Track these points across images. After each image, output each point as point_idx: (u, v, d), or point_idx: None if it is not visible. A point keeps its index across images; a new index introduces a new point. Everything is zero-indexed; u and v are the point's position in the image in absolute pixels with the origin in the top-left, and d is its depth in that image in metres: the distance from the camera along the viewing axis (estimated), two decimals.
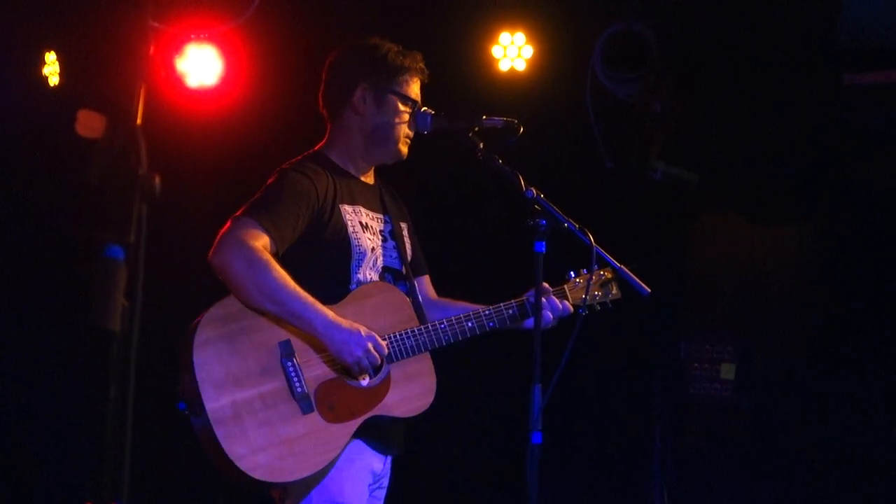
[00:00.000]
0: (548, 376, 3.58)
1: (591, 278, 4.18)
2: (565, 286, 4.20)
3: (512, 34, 6.90)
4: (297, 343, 3.76)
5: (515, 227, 3.81)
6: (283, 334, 3.75)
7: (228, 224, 3.75)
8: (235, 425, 3.60)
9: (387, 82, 4.05)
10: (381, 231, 4.08)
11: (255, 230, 3.70)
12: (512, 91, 6.85)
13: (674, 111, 6.64)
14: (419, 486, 6.93)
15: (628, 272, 3.88)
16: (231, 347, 3.68)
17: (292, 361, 3.72)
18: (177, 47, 6.43)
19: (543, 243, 3.67)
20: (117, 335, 2.42)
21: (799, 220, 6.76)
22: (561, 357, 3.61)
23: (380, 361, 3.81)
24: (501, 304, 4.10)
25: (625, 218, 6.74)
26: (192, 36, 6.33)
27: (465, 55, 6.93)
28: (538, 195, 3.74)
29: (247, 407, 3.64)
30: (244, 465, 3.58)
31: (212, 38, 6.52)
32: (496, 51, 6.92)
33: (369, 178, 4.16)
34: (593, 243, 3.72)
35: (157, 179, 2.45)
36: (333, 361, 3.79)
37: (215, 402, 3.60)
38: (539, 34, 6.89)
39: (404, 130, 4.07)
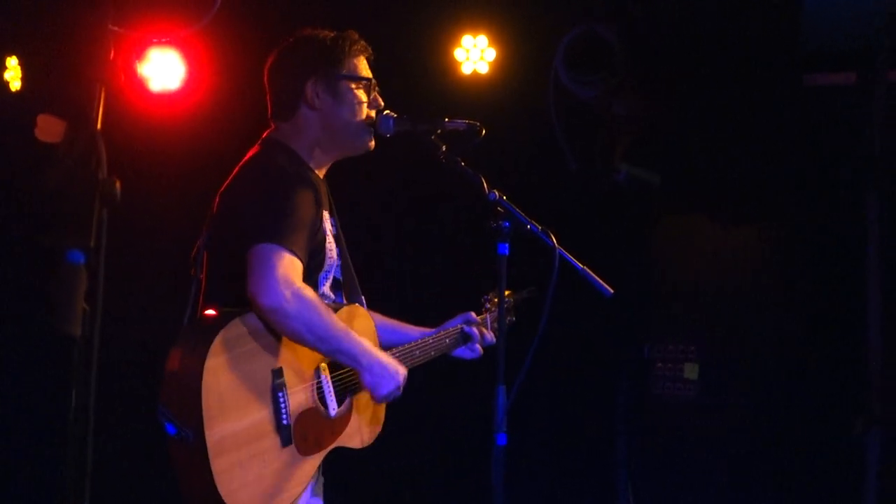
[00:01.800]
0: (512, 377, 3.59)
1: (511, 304, 4.55)
2: (488, 316, 4.45)
3: (474, 37, 6.92)
4: (288, 372, 3.63)
5: (478, 230, 3.82)
6: (277, 361, 3.62)
7: (260, 254, 3.54)
8: (229, 458, 3.42)
9: (335, 69, 3.94)
10: (335, 236, 3.98)
11: (293, 259, 3.56)
12: (475, 94, 6.87)
13: (637, 113, 6.67)
14: (383, 489, 6.94)
15: (591, 273, 3.89)
16: (235, 375, 3.48)
17: (283, 392, 3.59)
18: (139, 52, 6.42)
19: (507, 245, 3.68)
20: (78, 340, 2.41)
21: (761, 221, 6.80)
22: (524, 358, 3.63)
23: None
24: (443, 334, 4.28)
25: (588, 219, 6.77)
26: (154, 40, 6.31)
27: (427, 58, 6.94)
28: (501, 197, 3.73)
29: (239, 439, 3.46)
30: (231, 502, 3.41)
31: (174, 42, 6.51)
32: (459, 53, 6.94)
33: (322, 174, 4.03)
34: (556, 245, 3.72)
35: (118, 184, 2.44)
36: (313, 389, 3.73)
37: (217, 434, 3.39)
38: (501, 37, 6.91)
39: (366, 112, 3.96)
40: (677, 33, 6.48)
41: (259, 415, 3.54)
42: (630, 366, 6.99)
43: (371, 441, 3.96)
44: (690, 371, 6.76)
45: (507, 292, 4.23)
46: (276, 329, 3.58)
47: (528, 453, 6.76)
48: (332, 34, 4.02)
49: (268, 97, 4.05)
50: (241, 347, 3.53)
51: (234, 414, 3.46)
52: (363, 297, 4.14)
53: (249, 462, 3.48)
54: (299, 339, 3.61)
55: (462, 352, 4.35)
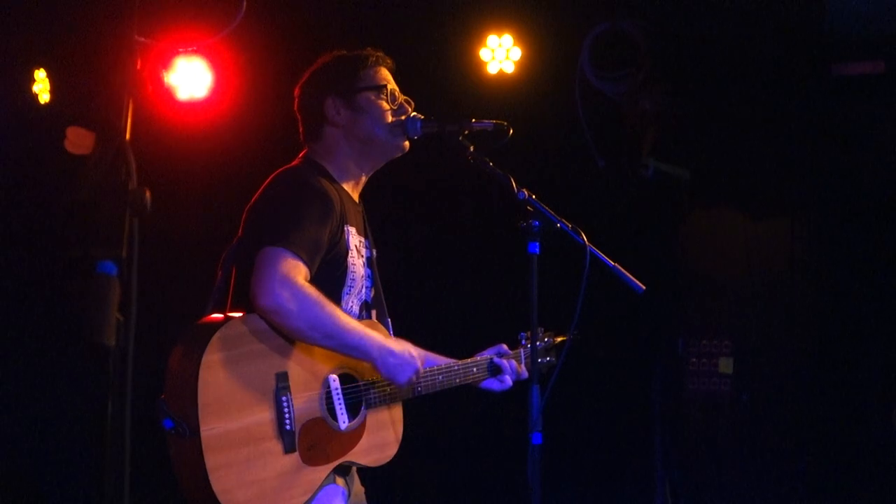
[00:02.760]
0: (545, 377, 3.59)
1: (549, 346, 4.47)
2: (521, 351, 4.37)
3: (499, 36, 6.91)
4: (294, 376, 3.65)
5: (508, 229, 3.82)
6: (282, 364, 3.64)
7: (264, 257, 3.59)
8: (224, 457, 3.46)
9: (351, 83, 3.98)
10: (364, 256, 4.00)
11: (296, 262, 3.59)
12: (501, 93, 6.86)
13: (663, 108, 6.65)
14: (419, 489, 6.94)
15: (622, 270, 3.87)
16: (234, 373, 3.52)
17: (287, 396, 3.61)
18: (165, 61, 6.44)
19: (537, 244, 3.68)
20: (112, 350, 2.42)
21: (791, 213, 6.77)
22: (558, 358, 3.63)
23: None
24: (471, 363, 4.22)
25: (618, 216, 6.75)
26: (181, 49, 6.33)
27: (453, 59, 6.94)
28: (530, 196, 3.73)
29: (237, 438, 3.50)
30: (225, 500, 3.45)
31: (200, 51, 6.53)
32: (484, 53, 6.94)
33: (356, 195, 4.06)
34: (587, 243, 3.72)
35: (148, 194, 2.45)
36: (322, 399, 3.72)
37: (211, 430, 3.45)
38: (527, 36, 6.90)
39: (390, 120, 3.97)
40: (702, 27, 6.46)
41: (260, 416, 3.56)
42: (664, 362, 6.97)
43: (384, 462, 3.93)
44: (725, 366, 6.73)
45: (548, 333, 4.43)
46: (279, 330, 3.61)
47: (564, 452, 6.74)
48: (346, 54, 4.06)
49: (299, 126, 4.10)
50: (241, 347, 3.57)
51: (232, 412, 3.50)
52: (389, 321, 4.17)
53: (247, 463, 3.51)
54: (304, 338, 3.63)
55: (491, 383, 4.30)
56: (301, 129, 4.08)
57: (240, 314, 3.62)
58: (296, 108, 4.10)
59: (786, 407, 6.61)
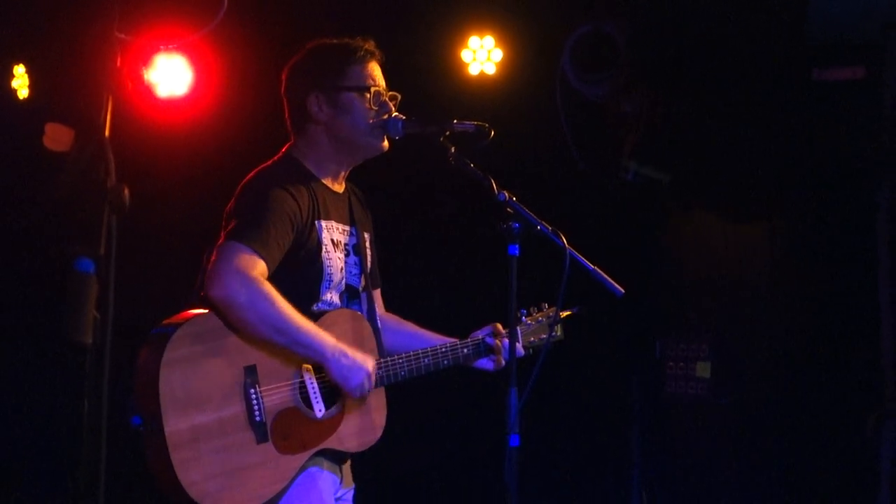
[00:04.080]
0: (524, 379, 3.59)
1: (554, 319, 4.31)
2: (518, 329, 4.27)
3: (481, 38, 6.91)
4: (262, 369, 3.67)
5: (488, 231, 3.82)
6: (250, 359, 3.66)
7: (219, 251, 3.64)
8: (191, 450, 3.51)
9: (335, 81, 3.97)
10: (345, 245, 4.01)
11: (252, 256, 3.61)
12: (482, 95, 6.86)
13: (644, 111, 6.65)
14: (396, 490, 6.93)
15: (601, 273, 3.88)
16: (197, 368, 3.57)
17: (255, 388, 3.64)
18: (145, 58, 6.42)
19: (517, 246, 3.68)
20: (90, 348, 2.41)
21: (771, 217, 6.79)
22: (536, 359, 3.63)
23: (373, 388, 3.83)
24: (458, 344, 4.15)
25: (598, 219, 6.76)
26: (161, 46, 6.31)
27: (434, 59, 6.93)
28: (510, 198, 3.74)
29: (205, 432, 3.54)
30: (194, 492, 3.50)
31: (181, 48, 6.51)
32: (465, 55, 6.93)
33: (340, 186, 4.08)
34: (566, 245, 3.72)
35: (127, 191, 2.44)
36: (294, 389, 3.74)
37: (175, 425, 3.50)
38: (508, 37, 6.90)
39: (370, 121, 3.96)
40: (684, 30, 6.47)
41: (229, 410, 3.60)
42: (642, 365, 6.98)
43: (369, 445, 3.94)
44: (702, 370, 6.75)
45: (551, 308, 4.34)
46: (229, 322, 3.62)
47: (541, 453, 6.75)
48: (337, 43, 4.05)
49: (285, 113, 4.11)
50: (204, 343, 3.60)
51: (198, 407, 3.55)
52: (376, 293, 4.18)
53: (216, 454, 3.55)
54: (254, 332, 3.64)
55: (484, 363, 4.24)
56: (286, 117, 4.09)
57: (204, 311, 3.65)
58: (282, 93, 4.10)
59: (764, 411, 6.63)
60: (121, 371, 2.92)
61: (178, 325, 3.59)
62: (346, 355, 3.74)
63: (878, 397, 6.15)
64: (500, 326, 4.23)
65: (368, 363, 3.80)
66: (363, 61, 4.02)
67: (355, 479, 4.07)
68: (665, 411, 6.91)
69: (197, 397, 3.55)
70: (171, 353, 3.53)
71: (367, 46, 4.04)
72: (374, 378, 3.82)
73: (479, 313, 4.30)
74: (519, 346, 4.21)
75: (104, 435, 2.48)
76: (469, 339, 4.20)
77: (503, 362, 4.22)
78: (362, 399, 3.88)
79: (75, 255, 2.39)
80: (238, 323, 3.62)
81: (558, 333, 4.42)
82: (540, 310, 4.36)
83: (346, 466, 3.99)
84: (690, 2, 6.42)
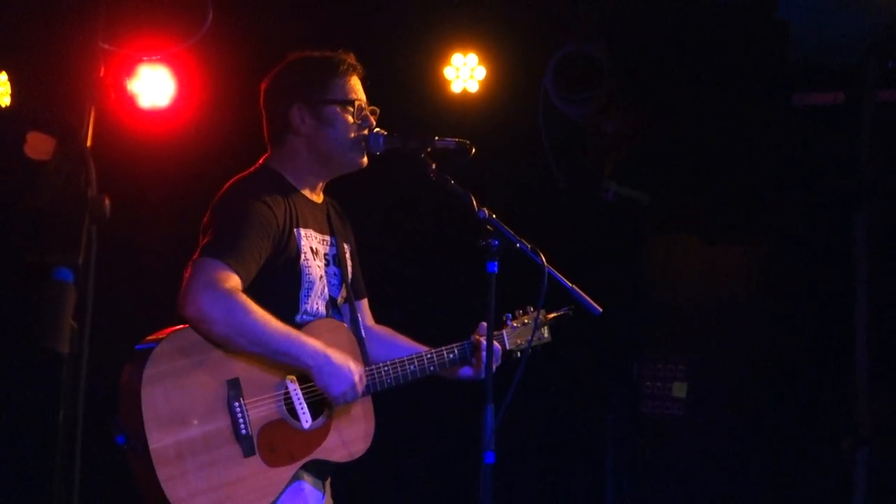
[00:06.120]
0: (500, 396, 3.59)
1: (536, 322, 4.25)
2: (504, 332, 4.24)
3: (465, 55, 6.93)
4: (245, 382, 3.66)
5: (468, 248, 3.82)
6: (233, 372, 3.65)
7: (192, 268, 3.62)
8: (177, 467, 3.50)
9: (319, 94, 3.96)
10: (325, 254, 4.00)
11: (225, 271, 3.59)
12: (465, 112, 6.87)
13: (625, 132, 6.68)
14: None
15: (579, 292, 3.89)
16: (180, 384, 3.56)
17: (239, 402, 3.62)
18: (128, 69, 6.42)
19: (496, 263, 3.68)
20: (66, 358, 2.40)
21: (749, 240, 6.81)
22: (513, 377, 3.63)
23: (360, 397, 3.81)
24: (443, 348, 4.10)
25: (577, 238, 6.77)
26: (144, 57, 6.31)
27: (417, 76, 6.95)
28: (490, 215, 3.74)
29: (190, 447, 3.53)
30: None
31: (164, 60, 6.52)
32: (449, 72, 6.95)
33: (318, 197, 4.07)
34: (545, 263, 3.73)
35: (107, 201, 2.44)
36: (279, 401, 3.73)
37: (159, 442, 3.49)
38: (492, 55, 6.92)
39: (352, 136, 3.96)
40: (666, 52, 6.50)
41: (214, 425, 3.59)
42: (618, 384, 6.99)
43: (358, 455, 3.92)
44: (679, 390, 6.76)
45: (541, 311, 4.27)
46: (208, 338, 3.60)
47: (516, 471, 6.75)
48: (319, 56, 4.04)
49: (263, 122, 4.09)
50: (185, 358, 3.59)
51: (181, 423, 3.53)
52: (362, 304, 4.18)
53: (202, 470, 3.54)
54: (233, 345, 3.62)
55: (465, 371, 4.16)
56: (265, 128, 4.07)
57: (182, 327, 3.63)
58: (261, 104, 4.08)
59: (740, 432, 6.65)
60: (97, 381, 2.92)
61: (159, 341, 3.59)
62: (330, 362, 3.71)
63: (852, 422, 6.18)
64: (485, 325, 4.14)
65: (354, 370, 3.77)
66: (346, 75, 4.02)
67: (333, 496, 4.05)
68: (640, 430, 6.92)
69: (180, 413, 3.54)
70: (152, 369, 3.52)
71: (349, 60, 4.04)
72: (361, 385, 3.79)
73: (460, 326, 4.29)
74: (498, 354, 4.14)
75: (79, 445, 2.47)
76: (454, 344, 4.14)
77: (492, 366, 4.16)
78: (349, 409, 3.86)
79: (54, 264, 2.39)
80: (216, 338, 3.61)
81: (546, 336, 4.36)
82: (526, 313, 4.32)
83: (328, 483, 3.98)
84: (672, 24, 6.45)
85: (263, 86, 4.09)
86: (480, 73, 6.93)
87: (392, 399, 4.06)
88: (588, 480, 7.05)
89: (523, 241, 3.76)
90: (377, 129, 4.00)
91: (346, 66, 4.02)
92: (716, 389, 6.74)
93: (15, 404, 6.47)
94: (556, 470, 7.06)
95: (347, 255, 4.14)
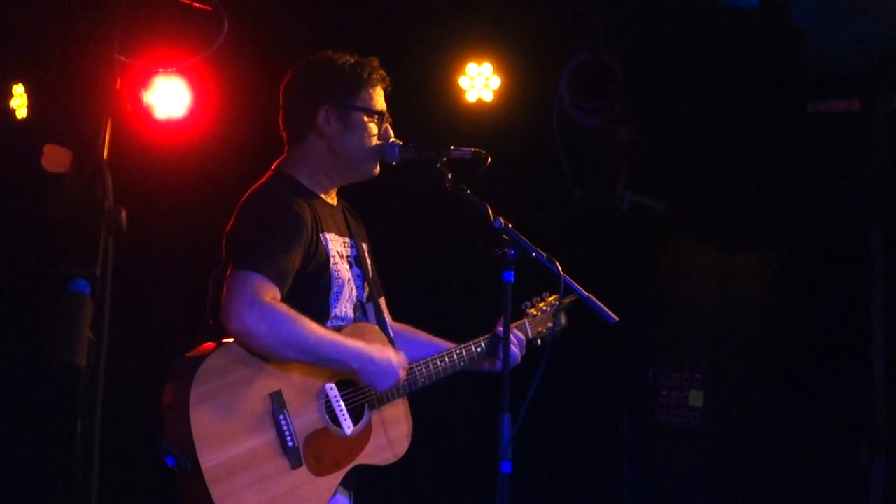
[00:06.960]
0: (516, 406, 3.58)
1: (557, 309, 4.23)
2: (526, 321, 4.28)
3: (479, 65, 6.93)
4: (287, 394, 3.68)
5: (484, 257, 3.82)
6: (275, 384, 3.66)
7: (230, 282, 3.61)
8: (229, 484, 3.52)
9: (349, 99, 3.96)
10: (347, 256, 4.00)
11: (264, 283, 3.60)
12: (480, 121, 6.87)
13: (640, 140, 6.68)
14: None
15: (595, 300, 3.89)
16: (225, 402, 3.57)
17: (284, 414, 3.65)
18: (144, 80, 6.43)
19: (512, 273, 3.68)
20: (83, 370, 2.41)
21: (765, 247, 6.81)
22: (529, 386, 3.63)
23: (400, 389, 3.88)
24: (471, 343, 4.13)
25: (593, 247, 6.77)
26: (160, 69, 6.33)
27: (432, 86, 6.95)
28: (506, 225, 3.74)
29: (240, 464, 3.55)
30: None
31: (180, 71, 6.53)
32: (463, 81, 6.95)
33: (333, 199, 4.07)
34: (561, 273, 3.73)
35: (124, 213, 2.44)
36: (321, 409, 3.75)
37: (211, 462, 3.49)
38: (506, 64, 6.92)
39: (372, 145, 3.96)
40: (681, 61, 6.50)
41: (261, 439, 3.61)
42: (635, 393, 6.98)
43: (399, 456, 3.96)
44: (696, 399, 6.75)
45: (553, 297, 4.29)
46: (254, 352, 3.62)
47: (533, 480, 6.74)
48: (352, 60, 4.03)
49: (280, 115, 4.07)
50: (229, 375, 3.60)
51: (230, 440, 3.55)
52: (381, 302, 4.17)
53: (254, 486, 3.56)
54: (281, 356, 3.65)
55: (488, 366, 4.20)
56: (282, 126, 4.06)
57: (224, 341, 3.63)
58: (282, 103, 4.07)
59: (756, 441, 6.63)
60: (112, 394, 2.93)
61: (201, 359, 3.58)
62: (372, 360, 3.76)
63: (869, 428, 6.16)
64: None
65: (395, 362, 3.82)
66: (376, 84, 4.03)
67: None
68: (656, 439, 6.90)
69: (228, 430, 3.55)
70: (199, 388, 3.52)
71: (381, 70, 4.05)
72: (404, 373, 3.85)
73: (473, 333, 4.28)
74: (522, 343, 4.19)
75: (97, 456, 2.48)
76: (480, 338, 4.17)
77: (518, 355, 4.16)
78: (388, 411, 3.91)
79: (71, 276, 2.40)
80: (264, 351, 3.62)
81: (563, 321, 4.33)
82: (542, 300, 4.35)
83: (352, 494, 3.97)
84: (687, 33, 6.45)
85: (287, 78, 4.07)
86: (495, 82, 6.94)
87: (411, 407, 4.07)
88: (605, 489, 7.03)
89: (539, 250, 3.76)
90: (393, 140, 4.01)
91: (377, 76, 4.03)
92: (732, 397, 6.73)
93: (32, 417, 6.49)
94: (572, 478, 7.05)
95: (366, 255, 4.15)
